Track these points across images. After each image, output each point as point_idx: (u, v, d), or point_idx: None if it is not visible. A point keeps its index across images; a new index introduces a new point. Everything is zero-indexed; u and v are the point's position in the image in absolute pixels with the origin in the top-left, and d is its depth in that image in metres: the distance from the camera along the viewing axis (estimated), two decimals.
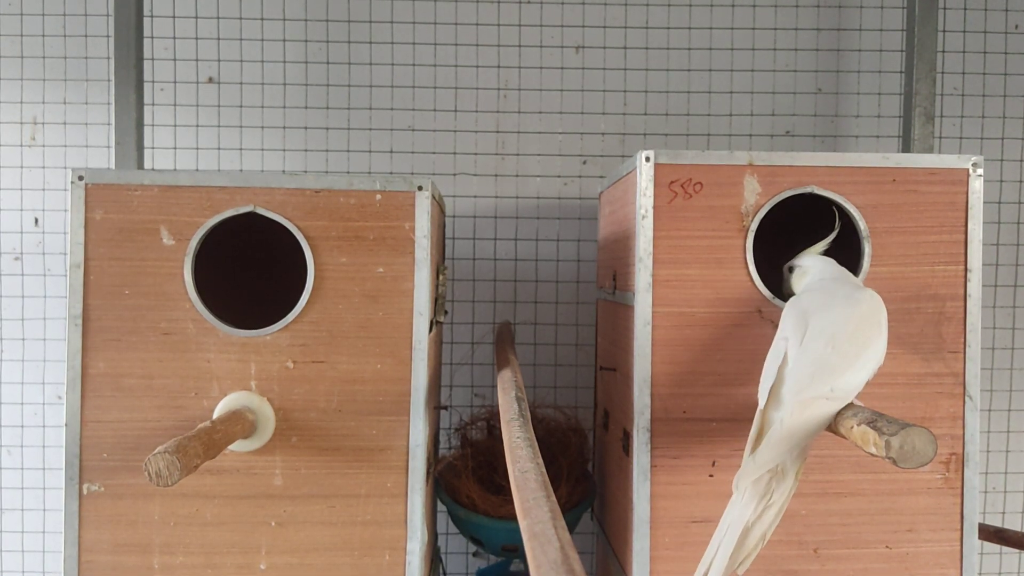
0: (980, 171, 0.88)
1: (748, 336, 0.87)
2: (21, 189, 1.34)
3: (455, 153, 1.36)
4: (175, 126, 1.35)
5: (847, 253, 0.91)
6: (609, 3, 1.36)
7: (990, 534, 1.04)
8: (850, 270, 0.85)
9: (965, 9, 1.36)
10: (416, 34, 1.35)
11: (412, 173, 1.36)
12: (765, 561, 0.87)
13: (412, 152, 1.36)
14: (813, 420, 0.73)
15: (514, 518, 0.73)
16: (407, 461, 0.88)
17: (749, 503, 0.75)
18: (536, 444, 0.65)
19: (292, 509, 0.88)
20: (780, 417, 0.74)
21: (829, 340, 0.75)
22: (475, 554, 1.36)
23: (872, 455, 0.66)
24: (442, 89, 1.36)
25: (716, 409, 0.84)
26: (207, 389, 0.87)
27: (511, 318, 1.37)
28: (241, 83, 1.35)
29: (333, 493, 0.88)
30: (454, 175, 1.36)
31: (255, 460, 0.88)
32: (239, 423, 0.82)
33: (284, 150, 1.36)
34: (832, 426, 0.73)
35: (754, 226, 0.87)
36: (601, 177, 1.35)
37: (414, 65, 1.36)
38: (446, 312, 0.99)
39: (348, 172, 1.35)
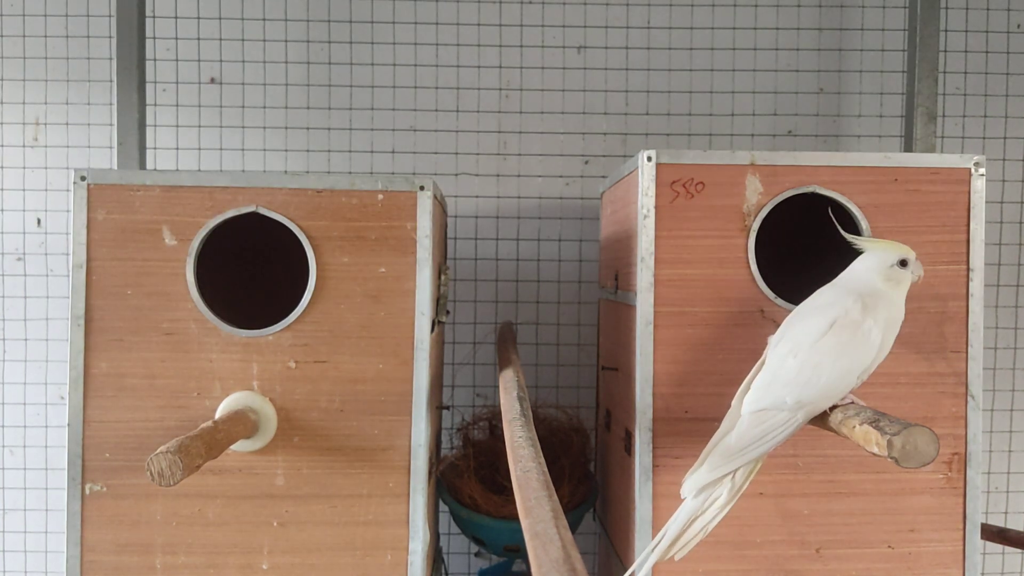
0: (982, 171, 0.88)
1: (750, 336, 0.87)
2: (24, 190, 1.34)
3: (457, 153, 1.36)
4: (177, 127, 1.35)
5: (849, 253, 0.91)
6: (611, 3, 1.36)
7: (993, 534, 1.04)
8: None
9: (967, 8, 1.36)
10: (418, 34, 1.35)
11: (414, 173, 1.36)
12: (767, 561, 0.87)
13: (414, 152, 1.36)
14: (769, 431, 0.74)
15: (516, 518, 0.73)
16: (409, 461, 0.88)
17: (700, 496, 0.77)
18: (538, 444, 0.65)
19: (294, 509, 0.88)
20: (736, 429, 0.76)
21: (792, 349, 0.75)
22: (477, 554, 1.36)
23: (874, 455, 0.66)
24: (444, 89, 1.36)
25: (718, 409, 0.83)
26: (209, 389, 0.87)
27: (513, 318, 1.37)
28: (243, 83, 1.35)
29: (335, 493, 0.88)
30: (456, 175, 1.36)
31: (257, 460, 0.88)
32: (241, 423, 0.82)
33: (286, 150, 1.36)
34: (834, 426, 0.73)
35: (756, 226, 0.87)
36: (603, 177, 1.35)
37: (416, 65, 1.36)
38: (448, 312, 0.99)
39: (350, 172, 1.35)
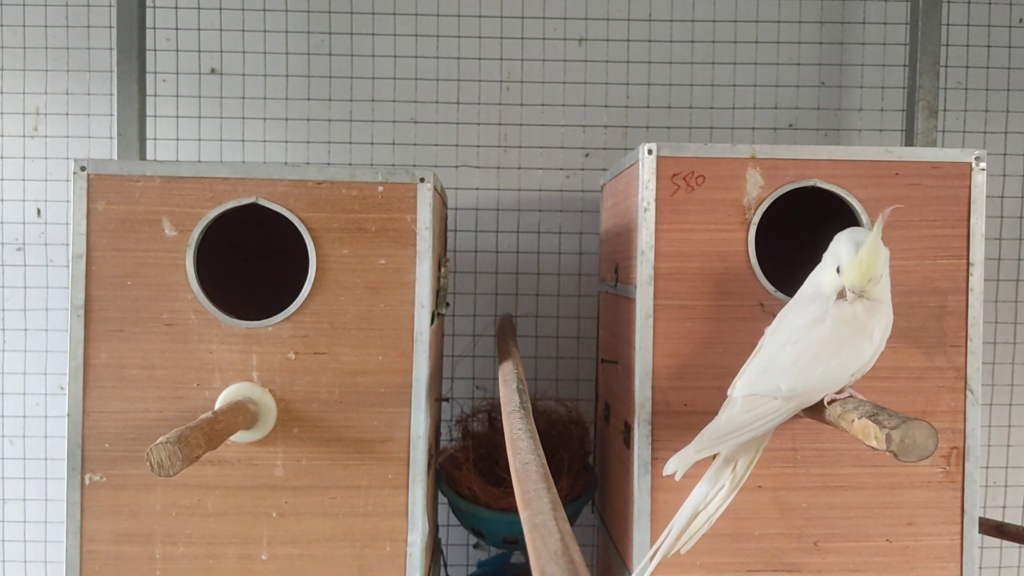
0: (983, 165, 0.88)
1: (750, 329, 0.87)
2: (23, 180, 1.34)
3: (457, 145, 1.36)
4: (177, 117, 1.35)
5: None
6: None
7: (991, 528, 1.04)
8: None
9: (969, 3, 1.36)
10: (419, 26, 1.35)
11: (414, 165, 1.36)
12: (766, 554, 0.88)
13: (414, 144, 1.36)
14: (759, 418, 0.74)
15: (515, 510, 0.73)
16: (408, 452, 0.89)
17: (702, 489, 0.79)
18: (537, 436, 0.66)
19: (293, 500, 0.88)
20: (727, 411, 0.76)
21: (791, 338, 0.75)
22: (476, 546, 1.36)
23: (873, 448, 0.66)
24: (445, 81, 1.36)
25: (717, 402, 0.83)
26: (209, 380, 0.87)
27: (513, 311, 1.37)
28: (244, 74, 1.35)
29: (334, 484, 0.88)
30: (456, 167, 1.36)
31: (257, 451, 0.88)
32: (241, 414, 0.82)
33: (286, 141, 1.35)
34: (833, 420, 0.74)
35: (756, 219, 0.87)
36: (603, 170, 1.35)
37: (416, 57, 1.35)
38: (448, 304, 0.99)
39: (350, 164, 1.35)
